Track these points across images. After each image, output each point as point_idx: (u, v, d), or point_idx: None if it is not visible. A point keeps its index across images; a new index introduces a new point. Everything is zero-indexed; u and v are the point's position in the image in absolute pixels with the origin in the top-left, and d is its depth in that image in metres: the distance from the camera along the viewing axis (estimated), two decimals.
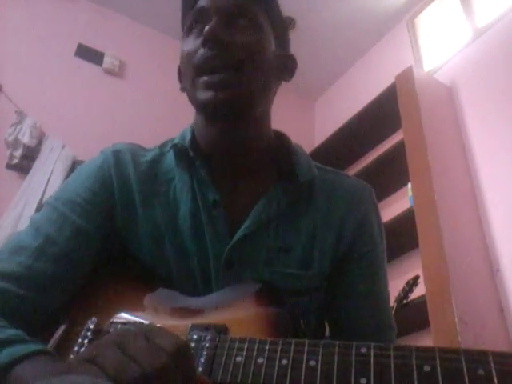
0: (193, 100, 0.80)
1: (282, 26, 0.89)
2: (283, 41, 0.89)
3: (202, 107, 0.78)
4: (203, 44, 0.75)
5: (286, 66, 0.88)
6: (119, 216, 0.80)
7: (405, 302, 2.29)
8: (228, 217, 0.79)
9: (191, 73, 0.77)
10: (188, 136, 0.84)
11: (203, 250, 0.77)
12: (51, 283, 0.72)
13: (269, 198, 0.80)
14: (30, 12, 3.21)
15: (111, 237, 0.79)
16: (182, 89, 0.86)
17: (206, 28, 0.74)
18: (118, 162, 0.83)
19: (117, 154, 0.84)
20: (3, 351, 0.59)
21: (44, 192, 2.61)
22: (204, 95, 0.75)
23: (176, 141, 0.85)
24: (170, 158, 0.85)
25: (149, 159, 0.85)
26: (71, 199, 0.79)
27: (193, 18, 0.80)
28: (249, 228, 0.77)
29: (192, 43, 0.79)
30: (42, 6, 3.27)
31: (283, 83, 0.92)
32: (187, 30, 0.82)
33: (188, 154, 0.82)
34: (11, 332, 0.62)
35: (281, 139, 0.90)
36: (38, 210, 2.53)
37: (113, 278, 0.78)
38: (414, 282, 2.30)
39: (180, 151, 0.83)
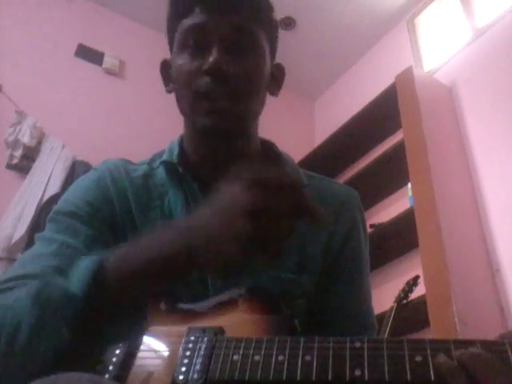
0: (191, 122, 0.82)
1: (276, 35, 0.88)
2: (275, 48, 0.89)
3: (201, 132, 0.81)
4: (207, 73, 0.75)
5: (275, 77, 0.89)
6: (121, 227, 0.80)
7: (405, 301, 2.28)
8: None
9: (190, 96, 0.78)
10: (176, 151, 0.85)
11: None
12: None
13: None
14: (30, 12, 3.21)
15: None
16: (169, 91, 0.86)
17: (211, 59, 0.75)
18: (113, 177, 0.84)
19: (111, 169, 0.85)
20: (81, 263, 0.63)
21: (44, 192, 2.60)
22: (204, 121, 0.77)
23: (164, 157, 0.86)
24: (161, 172, 0.86)
25: (140, 174, 0.85)
26: (74, 212, 0.79)
27: (192, 36, 0.79)
28: None
29: (190, 62, 0.78)
30: (41, 6, 3.27)
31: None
32: (183, 45, 0.80)
33: (178, 169, 0.83)
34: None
35: (268, 147, 0.91)
36: (37, 210, 2.53)
37: None
38: (414, 282, 2.30)
39: (170, 168, 0.84)
